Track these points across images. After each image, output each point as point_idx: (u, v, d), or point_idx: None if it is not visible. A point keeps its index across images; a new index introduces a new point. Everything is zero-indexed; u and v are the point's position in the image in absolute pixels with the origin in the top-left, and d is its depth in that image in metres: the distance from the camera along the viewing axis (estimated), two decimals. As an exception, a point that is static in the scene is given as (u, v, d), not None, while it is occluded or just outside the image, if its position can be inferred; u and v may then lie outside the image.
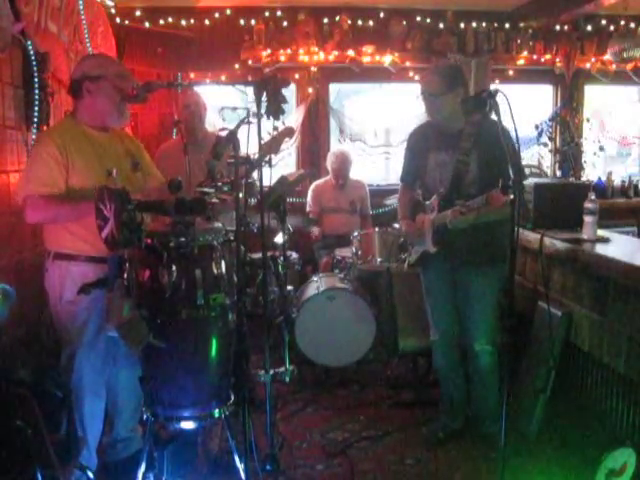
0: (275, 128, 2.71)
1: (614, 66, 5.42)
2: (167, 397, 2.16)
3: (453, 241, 2.72)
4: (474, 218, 2.53)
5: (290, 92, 5.17)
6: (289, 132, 2.87)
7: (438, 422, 3.08)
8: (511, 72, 5.49)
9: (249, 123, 2.21)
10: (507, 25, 5.44)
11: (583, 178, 5.70)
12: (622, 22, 5.53)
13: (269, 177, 2.52)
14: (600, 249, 2.72)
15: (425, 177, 2.87)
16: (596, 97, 5.89)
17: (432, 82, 2.68)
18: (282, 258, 3.32)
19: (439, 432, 3.02)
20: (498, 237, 2.62)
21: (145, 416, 2.23)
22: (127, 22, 4.73)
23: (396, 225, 4.40)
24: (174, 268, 2.04)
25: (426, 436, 3.03)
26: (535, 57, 5.44)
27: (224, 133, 2.20)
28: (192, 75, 5.01)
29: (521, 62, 5.43)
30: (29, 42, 2.72)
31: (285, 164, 5.37)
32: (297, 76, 5.22)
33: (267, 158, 2.55)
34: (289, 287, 3.92)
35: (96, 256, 2.30)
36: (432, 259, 2.83)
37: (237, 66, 5.12)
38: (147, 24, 4.87)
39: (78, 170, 2.31)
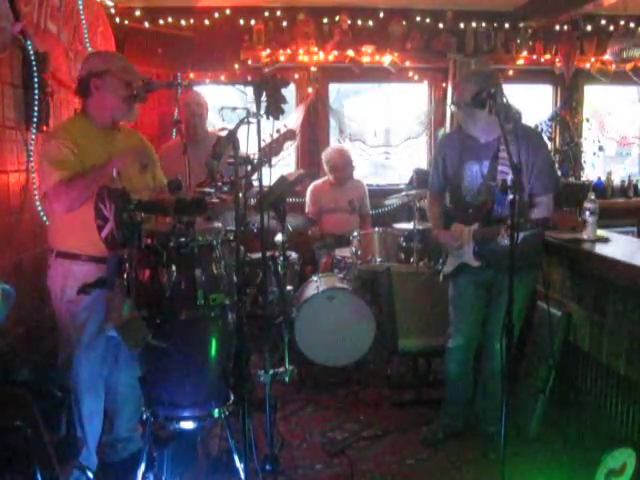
0: (278, 130, 2.70)
1: (614, 66, 5.41)
2: (167, 397, 2.16)
3: (496, 250, 2.63)
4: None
5: (290, 92, 5.17)
6: (291, 135, 2.86)
7: (438, 422, 3.07)
8: (511, 72, 5.48)
9: (249, 123, 2.21)
10: (507, 25, 5.43)
11: (583, 178, 5.70)
12: (622, 22, 5.52)
13: (269, 177, 2.52)
14: (600, 249, 2.72)
15: (461, 188, 2.80)
16: (596, 97, 5.89)
17: (467, 91, 2.61)
18: (282, 258, 3.32)
19: (439, 432, 3.01)
20: (535, 243, 2.59)
21: (145, 416, 2.23)
22: (127, 22, 4.73)
23: (396, 225, 4.41)
24: (174, 268, 2.04)
25: (426, 436, 3.02)
26: (535, 57, 5.44)
27: (224, 133, 2.20)
28: (192, 75, 5.00)
29: (521, 62, 5.42)
30: (29, 42, 2.72)
31: (285, 164, 5.37)
32: (297, 76, 5.22)
33: (267, 159, 2.54)
34: (289, 287, 3.92)
35: (99, 256, 2.29)
36: (469, 266, 2.78)
37: (237, 66, 5.11)
38: (147, 24, 4.86)
39: (88, 167, 2.30)
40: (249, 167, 2.42)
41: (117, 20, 4.64)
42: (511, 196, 2.11)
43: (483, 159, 2.71)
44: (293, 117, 5.24)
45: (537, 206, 2.62)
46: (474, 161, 2.74)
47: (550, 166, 2.76)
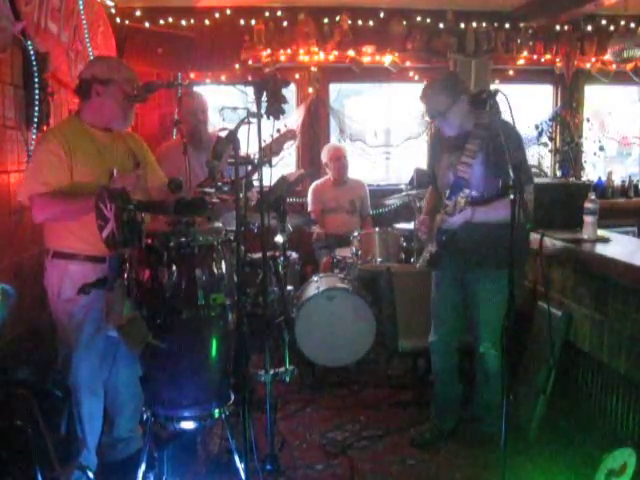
0: (278, 130, 2.70)
1: (614, 66, 5.41)
2: (167, 397, 2.16)
3: (461, 244, 2.70)
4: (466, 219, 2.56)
5: (290, 92, 5.17)
6: (292, 135, 2.86)
7: (428, 424, 3.08)
8: (511, 72, 5.49)
9: (249, 123, 2.21)
10: (507, 25, 5.43)
11: (583, 178, 5.69)
12: (622, 22, 5.52)
13: (269, 177, 2.52)
14: (600, 249, 2.72)
15: (438, 179, 2.88)
16: (596, 97, 5.89)
17: (436, 101, 2.67)
18: (282, 258, 3.33)
19: (427, 433, 3.02)
20: (507, 241, 2.60)
21: (145, 416, 2.23)
22: (127, 22, 4.73)
23: (396, 225, 4.42)
24: (174, 268, 2.04)
25: (414, 437, 3.03)
26: (535, 57, 5.44)
27: (224, 133, 2.21)
28: (192, 75, 5.01)
29: (521, 62, 5.43)
30: (29, 42, 2.72)
31: (285, 164, 5.37)
32: (297, 76, 5.22)
33: (267, 159, 2.55)
34: (289, 287, 3.92)
35: (95, 255, 2.30)
36: (444, 259, 2.81)
37: (237, 66, 5.12)
38: (147, 24, 4.87)
39: (81, 169, 2.31)
40: (249, 167, 2.42)
41: (117, 20, 4.64)
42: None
43: (455, 150, 2.75)
44: (293, 117, 5.24)
45: (506, 198, 2.63)
46: (448, 152, 2.80)
47: (521, 162, 2.72)
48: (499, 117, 2.67)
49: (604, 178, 5.74)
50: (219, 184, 2.26)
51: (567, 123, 5.70)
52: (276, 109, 2.20)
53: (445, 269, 2.88)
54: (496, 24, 5.41)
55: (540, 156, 5.82)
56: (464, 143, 2.69)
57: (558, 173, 5.75)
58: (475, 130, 2.66)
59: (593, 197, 2.89)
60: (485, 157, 2.64)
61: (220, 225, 2.30)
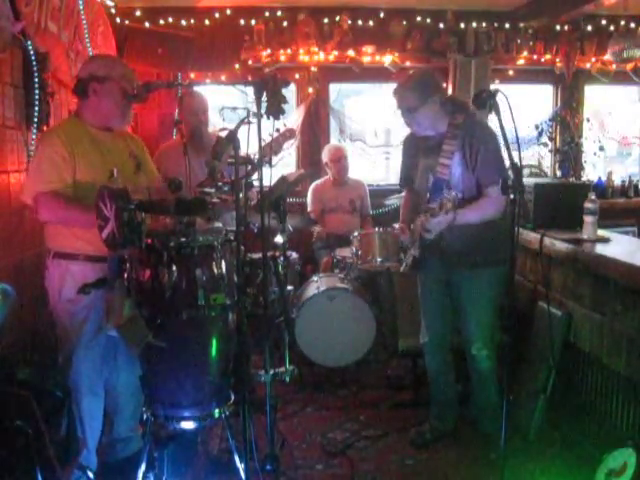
0: (277, 130, 2.71)
1: (614, 66, 5.41)
2: (167, 397, 2.16)
3: (444, 245, 2.71)
4: (448, 221, 2.52)
5: (290, 92, 5.17)
6: (290, 134, 2.87)
7: (427, 424, 3.08)
8: (511, 72, 5.49)
9: (249, 123, 2.21)
10: (507, 25, 5.43)
11: (583, 178, 5.70)
12: (622, 22, 5.52)
13: (269, 177, 2.53)
14: (600, 249, 2.72)
15: (415, 182, 2.88)
16: (596, 97, 5.89)
17: (406, 98, 2.69)
18: (282, 258, 3.32)
19: (427, 434, 3.02)
20: (492, 239, 2.62)
21: (145, 416, 2.23)
22: (127, 22, 4.73)
23: (396, 225, 4.42)
24: (174, 268, 2.04)
25: (413, 437, 3.02)
26: (535, 57, 5.44)
27: (224, 133, 2.21)
28: (192, 75, 5.01)
29: (521, 62, 5.43)
30: (29, 42, 2.72)
31: (285, 164, 5.37)
32: (297, 76, 5.22)
33: (267, 158, 2.55)
34: (289, 287, 3.92)
35: (96, 255, 2.30)
36: (426, 260, 2.82)
37: (237, 66, 5.12)
38: (147, 24, 4.87)
39: (82, 169, 2.31)
40: (249, 167, 2.43)
41: (117, 20, 4.64)
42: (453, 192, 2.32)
43: (431, 152, 2.75)
44: (293, 117, 5.24)
45: (486, 197, 2.63)
46: (425, 155, 2.79)
47: (495, 158, 2.65)
48: (474, 117, 2.69)
49: (604, 178, 5.74)
50: (219, 184, 2.26)
51: (567, 123, 5.69)
52: (276, 109, 2.21)
53: (429, 271, 2.87)
54: (496, 24, 5.41)
55: (540, 156, 5.82)
56: (440, 145, 2.68)
57: (558, 173, 5.75)
58: (450, 130, 2.66)
59: (593, 197, 2.89)
60: (462, 156, 2.64)
61: (220, 225, 2.30)
